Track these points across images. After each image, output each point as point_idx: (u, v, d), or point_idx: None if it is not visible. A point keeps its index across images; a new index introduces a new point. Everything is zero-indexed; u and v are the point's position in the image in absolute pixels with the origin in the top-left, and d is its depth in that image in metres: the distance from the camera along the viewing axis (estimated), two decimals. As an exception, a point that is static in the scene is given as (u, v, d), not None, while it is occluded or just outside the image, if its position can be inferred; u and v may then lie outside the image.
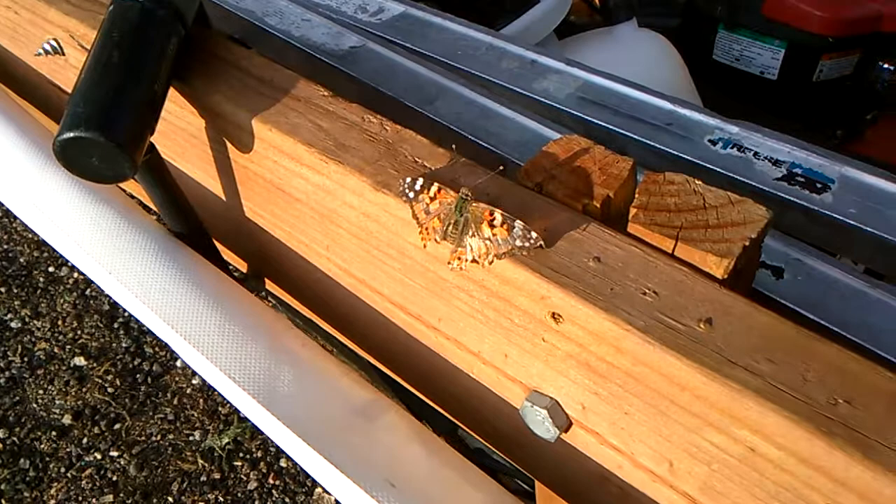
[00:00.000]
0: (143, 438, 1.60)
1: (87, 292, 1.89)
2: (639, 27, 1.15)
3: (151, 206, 0.56)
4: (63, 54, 0.59)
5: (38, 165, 0.57)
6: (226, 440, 1.59)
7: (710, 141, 0.56)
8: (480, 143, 0.58)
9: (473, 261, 0.38)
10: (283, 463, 1.55)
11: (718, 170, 0.54)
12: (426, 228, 0.39)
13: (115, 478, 1.55)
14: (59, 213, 0.54)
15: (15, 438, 1.61)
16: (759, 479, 0.32)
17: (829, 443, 0.28)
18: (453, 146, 0.43)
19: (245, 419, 0.45)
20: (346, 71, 0.66)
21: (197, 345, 0.47)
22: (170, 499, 1.51)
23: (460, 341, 0.44)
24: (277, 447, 0.46)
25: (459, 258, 0.38)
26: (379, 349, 0.56)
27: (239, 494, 1.51)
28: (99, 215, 0.52)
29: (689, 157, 0.55)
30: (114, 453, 1.58)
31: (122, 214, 0.53)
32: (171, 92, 0.50)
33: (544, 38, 1.01)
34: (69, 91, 0.44)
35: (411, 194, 0.39)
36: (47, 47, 0.59)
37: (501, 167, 0.41)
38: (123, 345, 1.78)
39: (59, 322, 1.83)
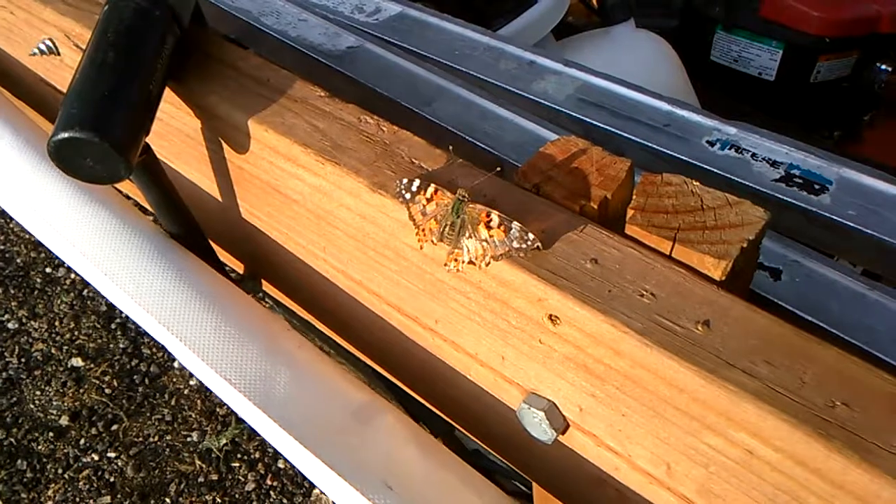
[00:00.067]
0: (141, 439, 1.60)
1: (85, 293, 1.88)
2: (636, 28, 1.15)
3: (147, 206, 0.55)
4: (58, 54, 0.59)
5: (33, 166, 0.57)
6: (223, 441, 1.58)
7: (707, 142, 0.56)
8: (478, 144, 0.58)
9: (470, 262, 0.38)
10: (280, 464, 1.55)
11: (716, 171, 0.54)
12: (423, 230, 0.39)
13: (112, 479, 1.54)
14: (54, 214, 0.53)
15: (12, 439, 1.61)
16: (757, 481, 0.32)
17: (827, 445, 0.28)
18: (450, 147, 0.42)
19: (243, 420, 0.45)
20: (343, 71, 0.65)
21: (193, 346, 0.47)
22: (167, 500, 1.50)
23: (457, 343, 0.44)
24: (275, 448, 0.46)
25: (456, 260, 0.38)
26: (376, 350, 0.56)
27: (237, 495, 1.51)
28: (94, 216, 0.52)
29: (686, 158, 0.55)
30: (111, 454, 1.58)
31: (118, 215, 0.53)
32: (167, 92, 0.50)
33: (542, 39, 1.01)
34: (64, 91, 0.44)
35: (408, 195, 0.39)
36: (42, 47, 0.58)
37: (499, 168, 0.40)
38: (121, 346, 1.77)
39: (57, 323, 1.83)
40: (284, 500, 1.50)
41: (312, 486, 1.51)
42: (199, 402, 1.66)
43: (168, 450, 1.58)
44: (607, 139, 0.58)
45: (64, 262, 0.54)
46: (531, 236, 0.35)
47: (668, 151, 0.56)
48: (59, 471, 1.56)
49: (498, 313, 0.39)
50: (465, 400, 0.47)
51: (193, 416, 1.64)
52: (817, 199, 0.50)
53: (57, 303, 1.87)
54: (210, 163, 0.55)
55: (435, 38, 0.71)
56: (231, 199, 0.56)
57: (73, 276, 1.92)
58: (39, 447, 1.60)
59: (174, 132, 0.55)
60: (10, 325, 1.82)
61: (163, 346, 0.50)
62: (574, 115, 0.61)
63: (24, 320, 1.83)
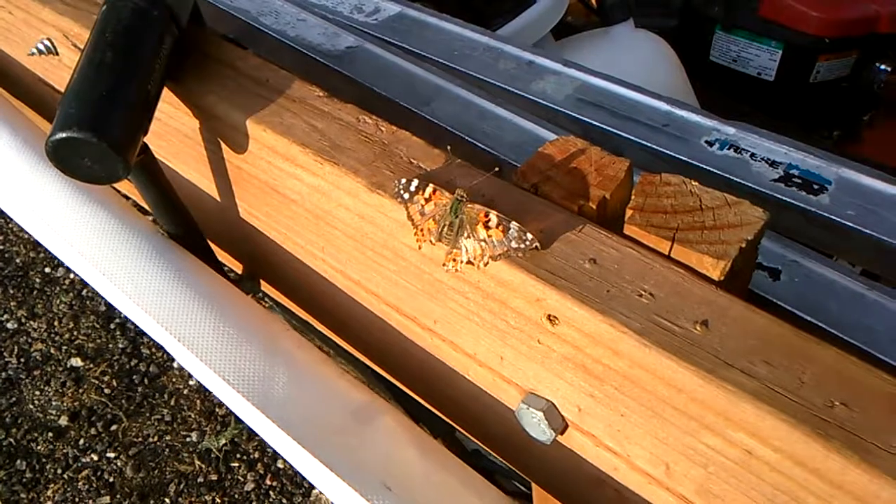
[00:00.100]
0: (140, 440, 1.60)
1: (84, 293, 1.88)
2: (636, 28, 1.15)
3: (146, 206, 0.55)
4: (57, 54, 0.59)
5: (32, 166, 0.57)
6: (223, 441, 1.58)
7: (706, 142, 0.56)
8: (477, 143, 0.58)
9: (468, 262, 0.37)
10: (280, 464, 1.55)
11: (715, 171, 0.54)
12: (421, 230, 0.39)
13: (111, 479, 1.54)
14: (53, 214, 0.53)
15: (11, 440, 1.61)
16: (756, 481, 0.32)
17: (826, 446, 0.28)
18: (448, 147, 0.42)
19: (242, 420, 0.44)
20: (342, 71, 0.65)
21: (191, 347, 0.47)
22: (167, 500, 1.50)
23: (456, 343, 0.44)
24: (274, 449, 0.46)
25: (454, 260, 0.38)
26: (374, 351, 0.56)
27: (236, 496, 1.51)
28: (92, 216, 0.52)
29: (685, 158, 0.55)
30: (111, 454, 1.58)
31: (116, 215, 0.53)
32: (165, 92, 0.50)
33: (541, 39, 1.01)
34: (63, 91, 0.44)
35: (406, 195, 0.39)
36: (41, 47, 0.58)
37: (497, 168, 0.40)
38: (120, 346, 1.77)
39: (56, 323, 1.83)
40: (284, 501, 1.50)
41: (312, 486, 1.51)
42: (198, 402, 1.66)
43: (167, 450, 1.58)
44: (606, 139, 0.58)
45: (63, 262, 0.54)
46: (529, 236, 0.35)
47: (667, 151, 0.56)
48: (59, 471, 1.56)
49: (496, 313, 0.39)
50: (463, 400, 0.47)
51: (193, 416, 1.63)
52: (816, 199, 0.50)
53: (56, 303, 1.87)
54: (208, 163, 0.55)
55: (434, 38, 0.70)
56: (229, 199, 0.56)
57: (72, 276, 1.92)
58: (39, 447, 1.60)
59: (172, 132, 0.55)
60: (9, 325, 1.82)
61: (162, 346, 0.50)
62: (573, 114, 0.60)
63: (23, 320, 1.83)
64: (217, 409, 1.64)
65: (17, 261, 1.98)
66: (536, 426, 0.39)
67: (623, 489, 0.40)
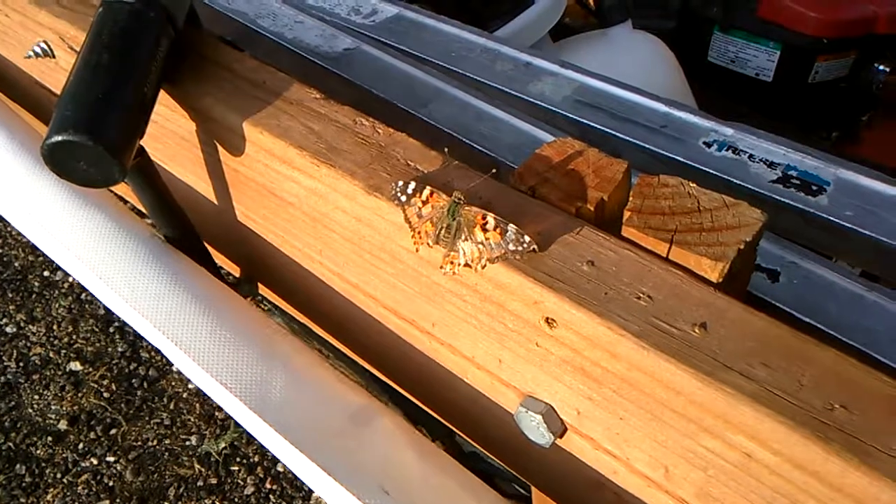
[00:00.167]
0: (140, 443, 1.59)
1: (83, 297, 1.88)
2: (633, 29, 1.15)
3: (143, 209, 0.55)
4: (53, 57, 0.59)
5: (28, 169, 0.56)
6: (222, 445, 1.58)
7: (704, 143, 0.56)
8: (474, 145, 0.57)
9: (466, 265, 0.37)
10: (279, 468, 1.54)
11: (713, 172, 0.54)
12: (419, 232, 0.39)
13: (111, 483, 1.54)
14: (49, 218, 0.53)
15: (11, 444, 1.60)
16: (756, 484, 0.31)
17: (826, 448, 0.28)
18: (445, 149, 0.42)
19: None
20: (339, 73, 0.65)
21: (189, 351, 0.47)
22: (166, 504, 1.50)
23: (454, 346, 0.44)
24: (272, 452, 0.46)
25: (452, 262, 0.38)
26: (373, 354, 0.55)
27: (236, 499, 1.50)
28: (89, 220, 0.52)
29: (683, 160, 0.55)
30: (110, 458, 1.57)
31: (113, 219, 0.53)
32: (162, 94, 0.49)
33: (539, 41, 1.01)
34: (59, 94, 0.44)
35: (404, 198, 0.39)
36: (37, 49, 0.58)
37: (494, 170, 0.40)
38: (119, 349, 1.77)
39: (55, 327, 1.82)
40: (283, 504, 1.49)
41: (312, 489, 1.50)
42: (197, 405, 1.65)
43: (167, 454, 1.57)
44: (604, 141, 0.58)
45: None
46: (527, 239, 0.35)
47: (665, 153, 0.56)
48: (58, 475, 1.55)
49: (494, 316, 0.39)
50: (462, 403, 0.47)
51: (192, 419, 1.63)
52: (815, 200, 0.50)
53: (55, 306, 1.87)
54: (205, 165, 0.54)
55: (431, 40, 0.70)
56: (227, 202, 0.56)
57: (71, 279, 1.91)
58: (38, 451, 1.59)
59: (169, 135, 0.55)
60: (8, 330, 1.82)
61: (160, 350, 0.49)
62: (571, 116, 0.60)
63: (22, 324, 1.83)
64: (216, 413, 1.63)
65: (16, 264, 1.98)
66: (535, 429, 0.39)
67: (622, 492, 0.40)
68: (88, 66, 0.44)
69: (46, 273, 1.95)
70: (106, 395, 1.68)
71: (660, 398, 0.33)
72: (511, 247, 0.35)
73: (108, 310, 1.82)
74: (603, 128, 0.59)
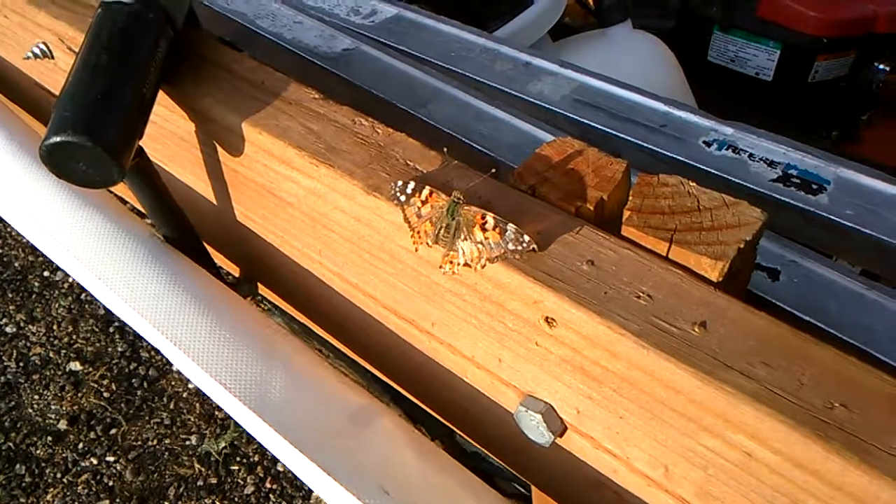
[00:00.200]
0: (140, 443, 1.59)
1: (83, 296, 1.88)
2: (633, 29, 1.15)
3: (142, 210, 0.55)
4: (52, 58, 0.59)
5: (27, 169, 0.56)
6: (222, 444, 1.58)
7: (704, 142, 0.56)
8: (474, 145, 0.57)
9: (466, 265, 0.37)
10: (279, 467, 1.54)
11: (713, 171, 0.54)
12: (418, 232, 0.39)
13: (111, 483, 1.54)
14: (48, 218, 0.53)
15: (11, 444, 1.60)
16: (756, 483, 0.31)
17: (826, 447, 0.28)
18: (445, 149, 0.42)
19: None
20: (338, 74, 0.65)
21: (188, 351, 0.47)
22: (166, 504, 1.50)
23: (454, 345, 0.44)
24: (272, 452, 0.46)
25: (451, 262, 0.38)
26: (373, 354, 0.55)
27: (236, 499, 1.50)
28: (88, 220, 0.52)
29: (683, 159, 0.55)
30: (110, 458, 1.57)
31: (112, 219, 0.53)
32: (161, 95, 0.49)
33: (538, 40, 1.01)
34: (58, 95, 0.44)
35: (403, 198, 0.39)
36: (36, 51, 0.58)
37: (494, 170, 0.40)
38: (119, 349, 1.77)
39: (55, 326, 1.82)
40: (284, 504, 1.49)
41: (312, 489, 1.50)
42: (197, 405, 1.65)
43: (167, 453, 1.57)
44: (604, 140, 0.58)
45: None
46: (527, 238, 0.35)
47: (665, 152, 0.56)
48: (58, 475, 1.55)
49: (494, 316, 0.39)
50: (462, 403, 0.47)
51: (192, 419, 1.63)
52: (815, 199, 0.50)
53: (55, 306, 1.87)
54: (204, 166, 0.54)
55: (431, 40, 0.70)
56: (226, 202, 0.56)
57: (70, 279, 1.91)
58: (38, 451, 1.59)
59: (168, 135, 0.55)
60: (8, 329, 1.82)
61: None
62: (570, 116, 0.60)
63: (22, 324, 1.83)
64: (216, 413, 1.63)
65: (16, 264, 1.98)
66: (535, 429, 0.39)
67: (622, 491, 0.40)
68: (87, 67, 0.44)
69: (46, 273, 1.95)
70: (106, 394, 1.68)
71: (660, 397, 0.33)
72: (510, 246, 0.35)
73: (108, 310, 1.82)
74: (603, 127, 0.59)
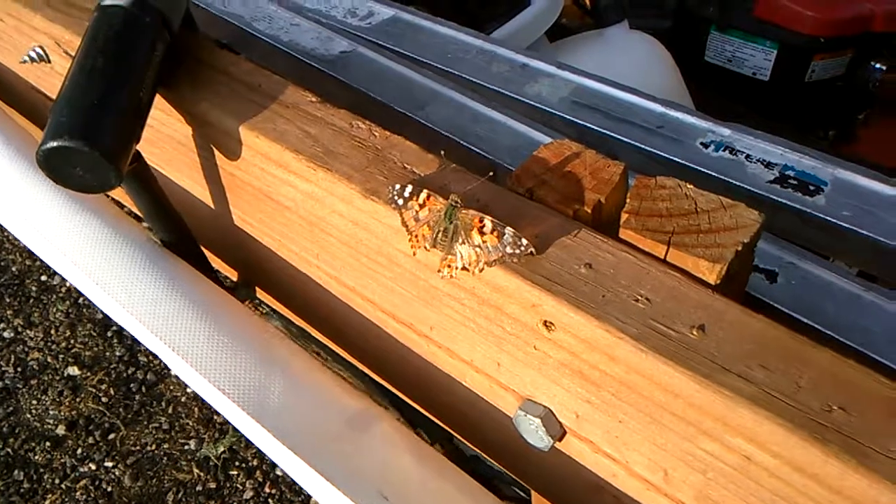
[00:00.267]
0: (138, 448, 1.59)
1: (80, 301, 1.87)
2: (630, 29, 1.15)
3: (139, 214, 0.55)
4: (49, 61, 0.58)
5: (24, 174, 0.56)
6: (221, 449, 1.58)
7: (702, 143, 0.56)
8: (471, 147, 0.57)
9: (463, 268, 0.37)
10: (278, 472, 1.54)
11: (710, 173, 0.54)
12: (416, 236, 0.39)
13: (109, 488, 1.53)
14: (45, 223, 0.53)
15: (9, 449, 1.60)
16: (755, 487, 0.31)
17: (824, 450, 0.28)
18: (442, 152, 0.42)
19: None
20: (335, 76, 0.65)
21: (186, 356, 0.46)
22: (165, 508, 1.49)
23: (452, 349, 0.43)
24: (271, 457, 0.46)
25: (449, 266, 0.38)
26: (371, 358, 0.55)
27: None
28: (85, 225, 0.52)
29: (680, 161, 0.55)
30: (108, 464, 1.57)
31: (109, 224, 0.52)
32: (158, 99, 0.49)
33: (535, 42, 1.01)
34: (54, 99, 0.44)
35: (400, 201, 0.39)
36: (33, 54, 0.58)
37: (491, 173, 0.40)
38: (117, 354, 1.76)
39: (53, 331, 1.82)
40: (283, 508, 1.49)
41: (310, 494, 1.50)
42: (196, 409, 1.65)
43: (166, 458, 1.57)
44: (601, 142, 0.58)
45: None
46: (524, 241, 0.35)
47: (663, 154, 0.56)
48: (56, 481, 1.55)
49: (492, 319, 0.38)
50: (460, 407, 0.47)
51: (191, 424, 1.63)
52: (812, 201, 0.50)
53: (53, 311, 1.86)
54: (202, 169, 0.54)
55: (428, 42, 0.70)
56: (223, 206, 0.55)
57: (68, 284, 1.91)
58: (36, 457, 1.59)
59: (165, 139, 0.55)
60: (5, 334, 1.81)
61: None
62: (568, 117, 0.60)
63: (19, 329, 1.83)
64: (215, 417, 1.63)
65: (14, 269, 1.97)
66: (534, 433, 0.39)
67: (622, 495, 0.39)
68: (84, 71, 0.44)
69: (44, 277, 1.94)
70: (104, 399, 1.67)
71: (658, 401, 0.33)
72: (508, 250, 0.35)
73: (105, 314, 1.82)
74: (600, 129, 0.59)
